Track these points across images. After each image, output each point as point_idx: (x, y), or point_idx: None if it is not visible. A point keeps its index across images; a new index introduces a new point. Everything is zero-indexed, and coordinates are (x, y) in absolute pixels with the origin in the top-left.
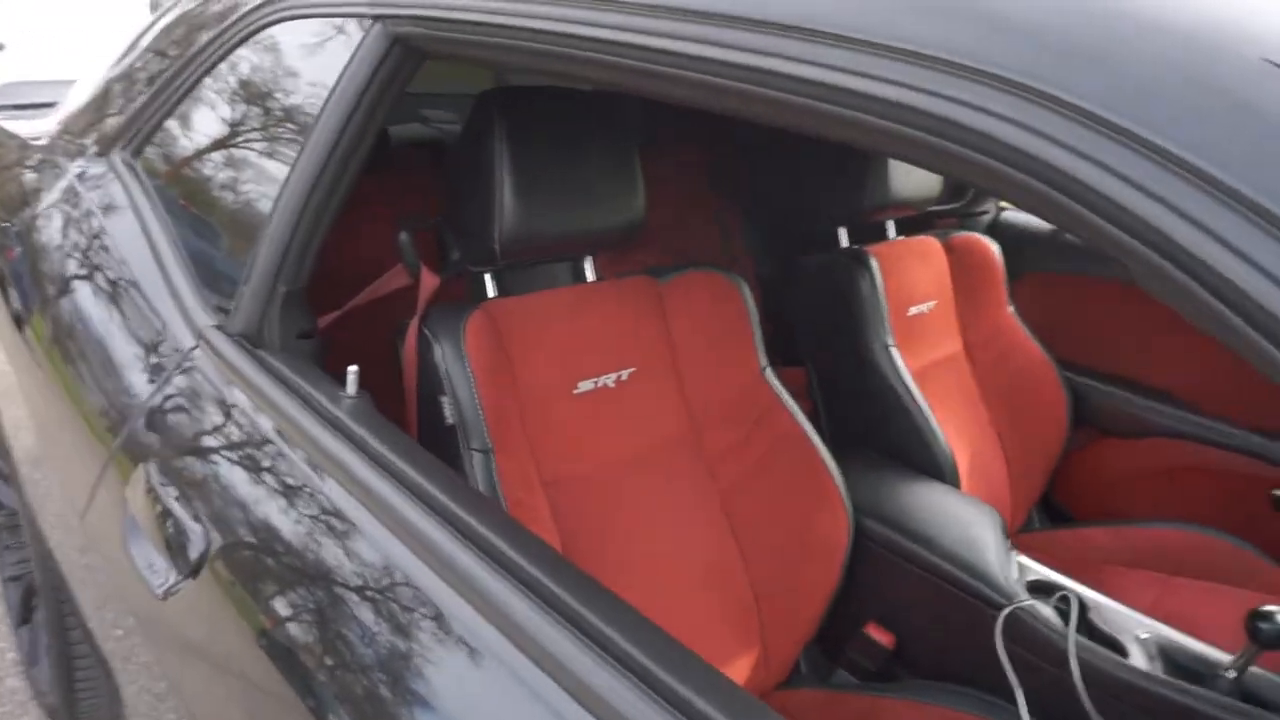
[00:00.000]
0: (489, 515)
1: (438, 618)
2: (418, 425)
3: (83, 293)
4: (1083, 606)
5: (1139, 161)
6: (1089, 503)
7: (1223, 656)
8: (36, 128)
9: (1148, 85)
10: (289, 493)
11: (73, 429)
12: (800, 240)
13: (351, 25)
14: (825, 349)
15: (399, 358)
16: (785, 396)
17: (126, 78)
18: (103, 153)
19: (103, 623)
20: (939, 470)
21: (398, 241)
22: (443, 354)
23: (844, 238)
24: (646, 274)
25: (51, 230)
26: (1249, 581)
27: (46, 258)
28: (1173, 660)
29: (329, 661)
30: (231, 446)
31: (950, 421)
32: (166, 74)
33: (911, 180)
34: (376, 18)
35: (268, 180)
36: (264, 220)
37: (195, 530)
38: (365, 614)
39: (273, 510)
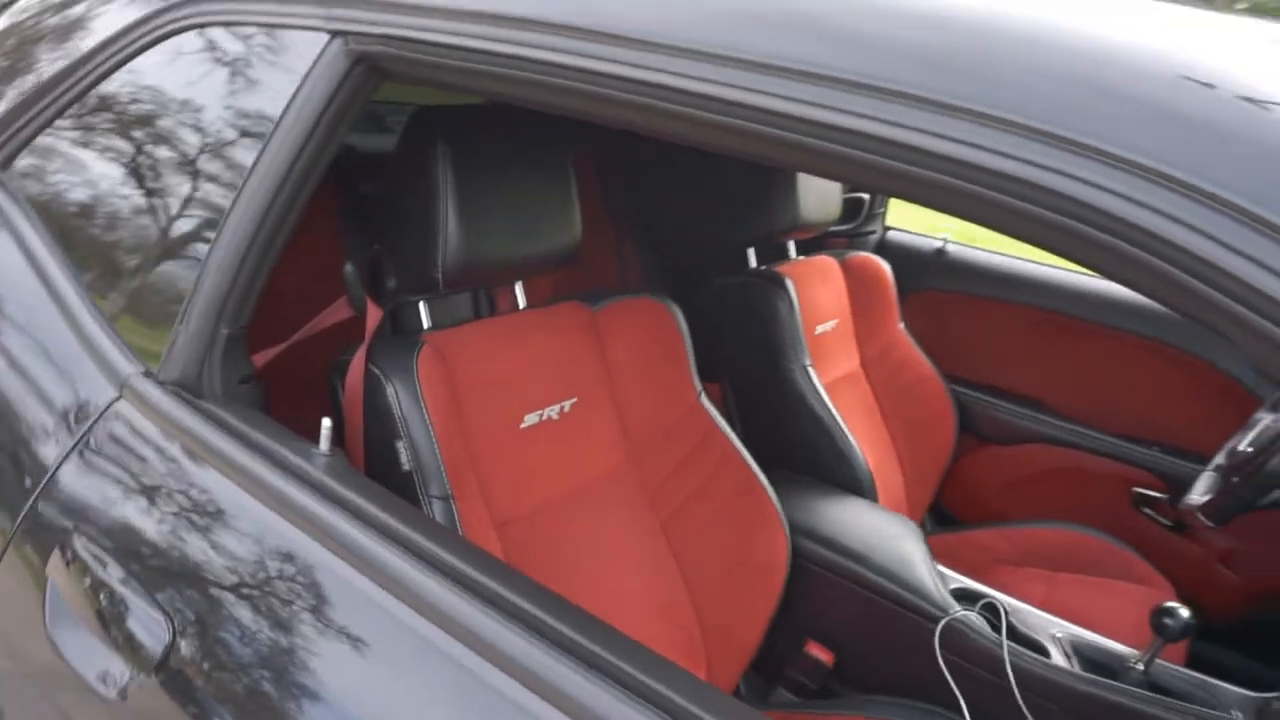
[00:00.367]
0: (517, 583)
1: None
2: (366, 469)
3: None
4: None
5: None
6: (973, 506)
7: (1128, 651)
8: None
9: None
10: (261, 575)
11: None
12: (706, 261)
13: (297, 38)
14: (741, 368)
15: (336, 395)
16: (720, 420)
17: None
18: None
19: None
20: (859, 486)
21: (343, 274)
22: (395, 395)
23: (753, 258)
24: (577, 299)
25: None
26: (1123, 574)
27: None
28: (1086, 657)
29: None
30: (179, 513)
31: (860, 436)
32: (40, 79)
33: (821, 202)
34: (335, 33)
35: (200, 207)
36: (201, 255)
37: (152, 613)
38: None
39: (238, 591)
